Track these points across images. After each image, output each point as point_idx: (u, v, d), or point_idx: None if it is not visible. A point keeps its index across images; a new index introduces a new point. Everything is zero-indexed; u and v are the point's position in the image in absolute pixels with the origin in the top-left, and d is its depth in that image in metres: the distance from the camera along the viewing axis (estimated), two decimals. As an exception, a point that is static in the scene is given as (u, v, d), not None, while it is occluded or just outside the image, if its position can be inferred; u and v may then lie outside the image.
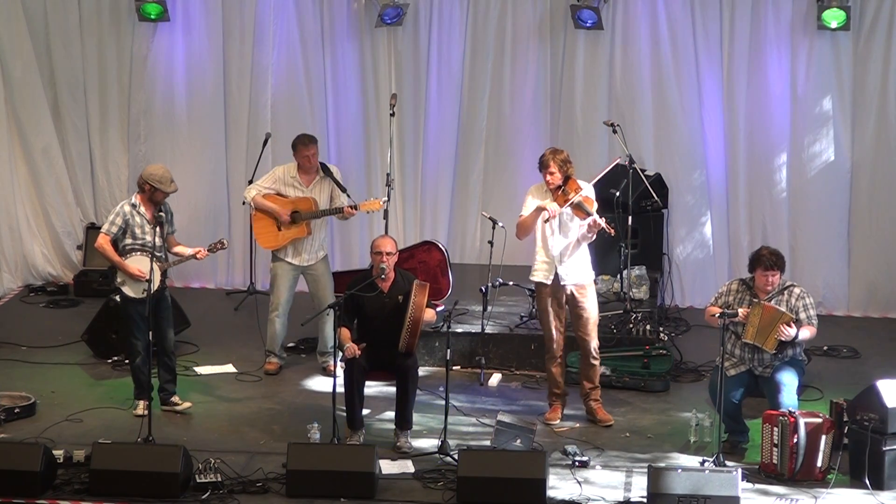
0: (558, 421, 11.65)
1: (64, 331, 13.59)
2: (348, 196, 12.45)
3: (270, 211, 12.40)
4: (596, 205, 11.45)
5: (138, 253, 11.54)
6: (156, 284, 11.46)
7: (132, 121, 15.01)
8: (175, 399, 11.75)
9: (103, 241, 11.56)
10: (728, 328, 10.90)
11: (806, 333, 10.94)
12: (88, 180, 15.15)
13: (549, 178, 11.38)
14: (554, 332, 11.56)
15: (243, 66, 14.85)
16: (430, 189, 14.97)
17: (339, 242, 15.05)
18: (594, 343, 11.61)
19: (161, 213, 11.62)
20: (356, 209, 12.33)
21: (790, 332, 10.81)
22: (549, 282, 11.48)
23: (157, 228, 11.43)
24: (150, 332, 11.12)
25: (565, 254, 11.46)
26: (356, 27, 14.76)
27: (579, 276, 11.48)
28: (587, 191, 11.44)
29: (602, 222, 11.30)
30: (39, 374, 12.55)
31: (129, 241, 11.56)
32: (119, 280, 11.57)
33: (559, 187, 11.40)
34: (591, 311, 11.55)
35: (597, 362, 11.68)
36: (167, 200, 11.70)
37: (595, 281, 11.69)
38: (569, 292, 11.49)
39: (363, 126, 14.91)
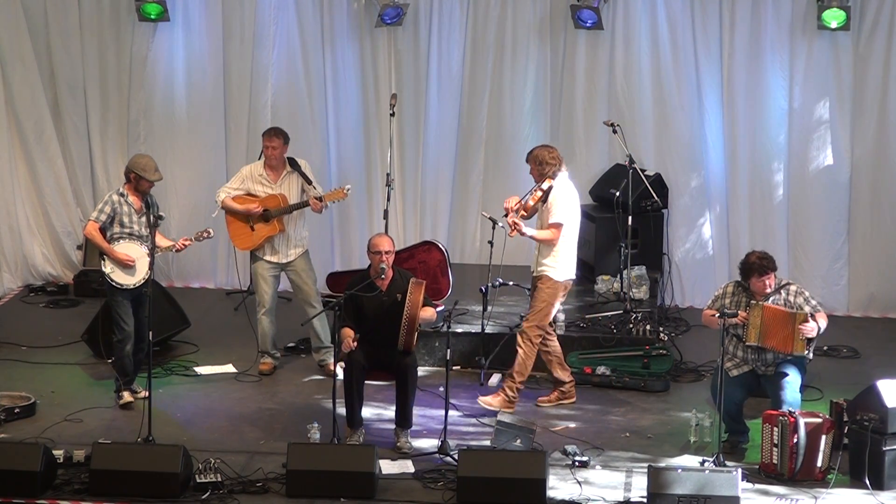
0: (552, 402, 12.01)
1: (64, 331, 13.59)
2: (314, 187, 12.47)
3: (240, 211, 12.42)
4: (550, 210, 11.65)
5: (126, 240, 11.61)
6: (143, 274, 11.56)
7: (132, 121, 15.01)
8: (125, 392, 11.77)
9: (92, 229, 11.69)
10: (728, 330, 10.89)
11: (823, 321, 10.94)
12: (88, 180, 15.15)
13: (529, 172, 11.91)
14: None
15: (243, 66, 14.85)
16: (430, 189, 14.97)
17: (339, 242, 15.05)
18: (521, 329, 11.87)
19: (161, 215, 11.67)
20: (321, 200, 12.36)
21: (812, 326, 10.81)
22: (532, 270, 11.99)
23: (144, 218, 11.64)
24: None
25: (539, 246, 11.83)
26: (356, 27, 14.76)
27: (542, 269, 11.80)
28: (552, 195, 11.66)
29: (511, 221, 11.59)
30: (39, 374, 12.56)
31: (116, 229, 11.70)
32: (109, 269, 11.60)
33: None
34: (537, 301, 11.81)
35: (518, 349, 11.85)
36: (153, 192, 11.87)
37: (552, 280, 11.84)
38: (535, 282, 11.88)
39: (363, 126, 14.91)
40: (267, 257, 12.56)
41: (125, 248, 11.66)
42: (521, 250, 14.65)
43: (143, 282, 11.63)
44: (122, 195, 11.73)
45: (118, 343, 11.77)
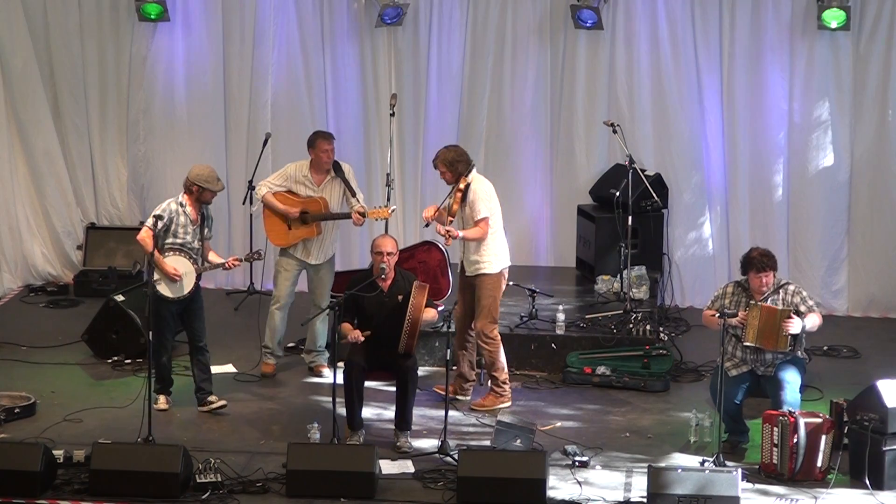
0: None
1: (64, 331, 13.58)
2: (358, 200, 12.46)
3: (280, 211, 12.40)
4: (474, 206, 11.74)
5: (176, 253, 11.53)
6: (189, 287, 11.54)
7: (132, 121, 15.01)
8: (212, 398, 11.77)
9: (146, 235, 11.49)
10: (728, 330, 10.89)
11: (814, 320, 10.94)
12: (88, 180, 15.15)
13: (441, 177, 11.98)
14: (457, 311, 11.91)
15: (243, 66, 14.84)
16: (430, 189, 14.96)
17: (339, 242, 14.99)
18: (477, 331, 11.94)
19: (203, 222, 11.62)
20: (364, 216, 12.35)
21: (795, 323, 10.80)
22: (459, 269, 12.08)
23: (198, 230, 11.55)
24: (151, 332, 11.14)
25: (467, 246, 11.91)
26: (356, 27, 14.76)
27: (477, 267, 11.89)
28: (471, 192, 11.76)
29: (443, 231, 11.74)
30: (39, 374, 12.55)
31: (169, 240, 11.56)
32: (156, 277, 11.51)
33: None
34: (481, 300, 11.89)
35: (483, 350, 11.96)
36: (208, 206, 11.77)
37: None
38: (471, 282, 11.96)
39: (363, 126, 14.91)
40: (297, 255, 12.49)
41: (174, 262, 11.53)
42: (522, 250, 14.69)
43: (187, 295, 11.56)
44: (181, 205, 11.58)
45: (156, 354, 11.62)
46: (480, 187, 11.85)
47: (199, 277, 11.64)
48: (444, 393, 11.80)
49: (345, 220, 12.72)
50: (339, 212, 12.43)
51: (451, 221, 11.84)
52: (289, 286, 12.58)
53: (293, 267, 12.53)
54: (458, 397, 12.01)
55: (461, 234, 11.79)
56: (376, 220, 12.65)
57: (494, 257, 11.89)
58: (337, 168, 12.51)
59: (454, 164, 11.84)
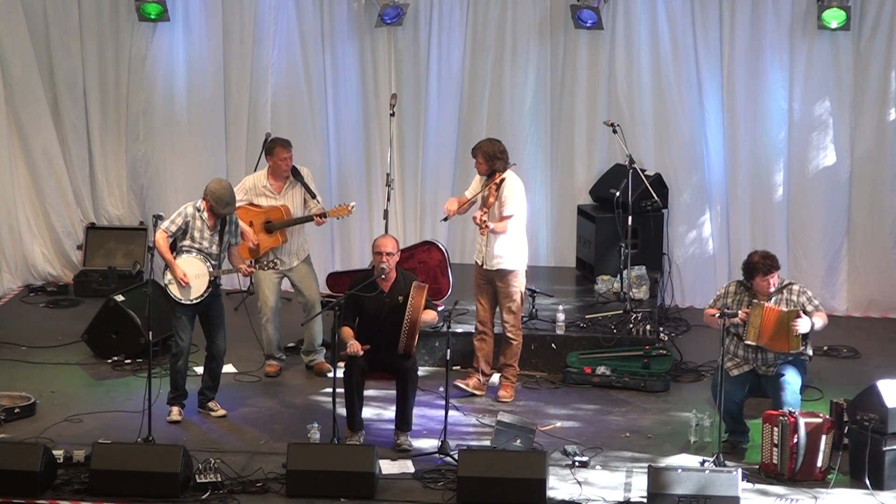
0: (469, 387, 12.12)
1: (64, 331, 13.58)
2: (318, 202, 12.46)
3: (243, 232, 12.36)
4: (504, 202, 11.86)
5: (192, 255, 11.49)
6: (200, 291, 11.47)
7: (131, 121, 15.01)
8: (212, 405, 11.76)
9: (160, 238, 11.44)
10: (729, 329, 10.89)
11: (820, 321, 10.95)
12: (88, 180, 15.14)
13: (475, 166, 12.04)
14: (478, 307, 12.14)
15: (243, 66, 14.84)
16: (430, 189, 14.97)
17: (339, 242, 15.05)
18: (508, 324, 12.06)
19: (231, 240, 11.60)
20: (325, 217, 12.36)
21: (804, 322, 10.81)
22: (479, 262, 12.09)
23: (217, 236, 11.50)
24: (152, 332, 11.13)
25: (489, 240, 11.95)
26: (356, 27, 14.76)
27: (498, 262, 12.00)
28: (505, 187, 11.87)
29: (482, 221, 11.79)
30: (39, 374, 12.56)
31: (186, 242, 11.51)
32: (168, 279, 11.50)
33: (488, 177, 11.98)
34: (508, 298, 12.01)
35: (512, 342, 12.10)
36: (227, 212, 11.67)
37: (518, 274, 12.09)
38: (491, 277, 12.04)
39: (363, 126, 14.91)
40: (268, 264, 12.50)
41: (186, 264, 11.45)
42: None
43: (199, 299, 11.49)
44: (198, 210, 11.50)
45: (172, 357, 11.63)
46: (515, 185, 11.96)
47: (214, 282, 11.58)
48: (467, 389, 11.99)
49: (339, 224, 12.75)
50: (301, 216, 12.43)
51: (486, 213, 11.88)
52: (273, 297, 12.57)
53: (270, 276, 12.49)
54: (476, 393, 12.11)
55: (491, 226, 11.87)
56: (337, 218, 12.65)
57: (515, 255, 11.99)
58: (295, 173, 12.50)
59: (492, 159, 11.92)
